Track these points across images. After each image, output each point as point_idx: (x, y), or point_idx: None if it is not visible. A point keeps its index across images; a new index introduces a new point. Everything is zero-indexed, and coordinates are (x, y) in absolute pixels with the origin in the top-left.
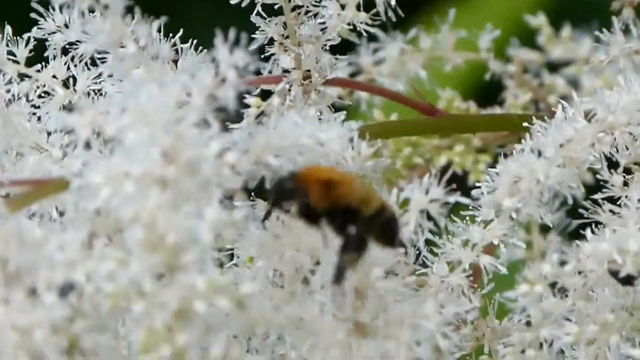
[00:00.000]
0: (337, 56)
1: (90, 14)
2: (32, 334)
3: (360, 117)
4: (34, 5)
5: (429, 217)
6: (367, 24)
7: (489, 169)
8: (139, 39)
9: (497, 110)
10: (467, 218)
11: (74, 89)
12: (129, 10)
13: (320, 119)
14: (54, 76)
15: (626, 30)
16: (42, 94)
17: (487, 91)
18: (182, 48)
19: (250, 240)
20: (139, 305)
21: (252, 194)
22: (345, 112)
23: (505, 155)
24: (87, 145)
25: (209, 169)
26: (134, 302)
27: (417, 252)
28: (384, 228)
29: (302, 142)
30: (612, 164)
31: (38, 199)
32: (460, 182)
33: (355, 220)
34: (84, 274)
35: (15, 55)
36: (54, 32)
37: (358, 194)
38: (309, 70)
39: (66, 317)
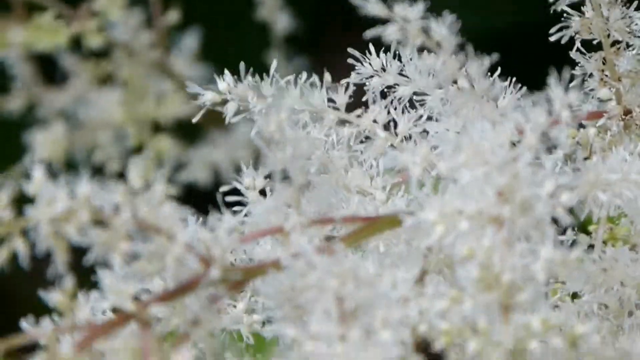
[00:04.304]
0: None
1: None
2: None
3: None
4: (351, 51)
5: None
6: None
7: None
8: (470, 76)
9: None
10: None
11: (395, 132)
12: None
13: None
14: (374, 120)
15: None
16: (363, 140)
17: None
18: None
19: (580, 275)
20: (474, 343)
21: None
22: None
23: None
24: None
25: (544, 209)
26: (469, 340)
27: None
28: None
29: (631, 178)
30: None
31: (371, 235)
32: None
33: None
34: (418, 311)
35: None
36: (372, 77)
37: None
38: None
39: (401, 356)
